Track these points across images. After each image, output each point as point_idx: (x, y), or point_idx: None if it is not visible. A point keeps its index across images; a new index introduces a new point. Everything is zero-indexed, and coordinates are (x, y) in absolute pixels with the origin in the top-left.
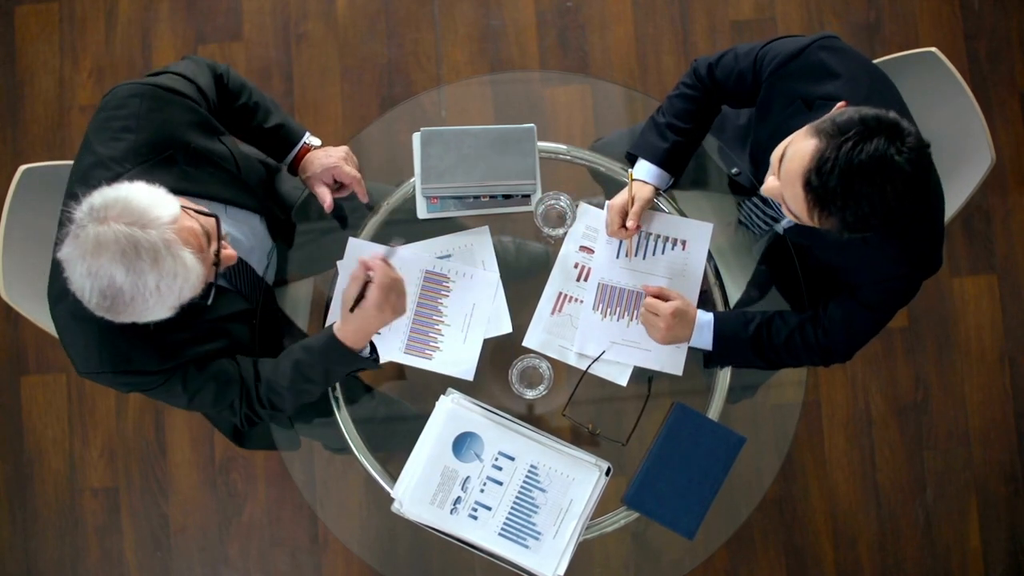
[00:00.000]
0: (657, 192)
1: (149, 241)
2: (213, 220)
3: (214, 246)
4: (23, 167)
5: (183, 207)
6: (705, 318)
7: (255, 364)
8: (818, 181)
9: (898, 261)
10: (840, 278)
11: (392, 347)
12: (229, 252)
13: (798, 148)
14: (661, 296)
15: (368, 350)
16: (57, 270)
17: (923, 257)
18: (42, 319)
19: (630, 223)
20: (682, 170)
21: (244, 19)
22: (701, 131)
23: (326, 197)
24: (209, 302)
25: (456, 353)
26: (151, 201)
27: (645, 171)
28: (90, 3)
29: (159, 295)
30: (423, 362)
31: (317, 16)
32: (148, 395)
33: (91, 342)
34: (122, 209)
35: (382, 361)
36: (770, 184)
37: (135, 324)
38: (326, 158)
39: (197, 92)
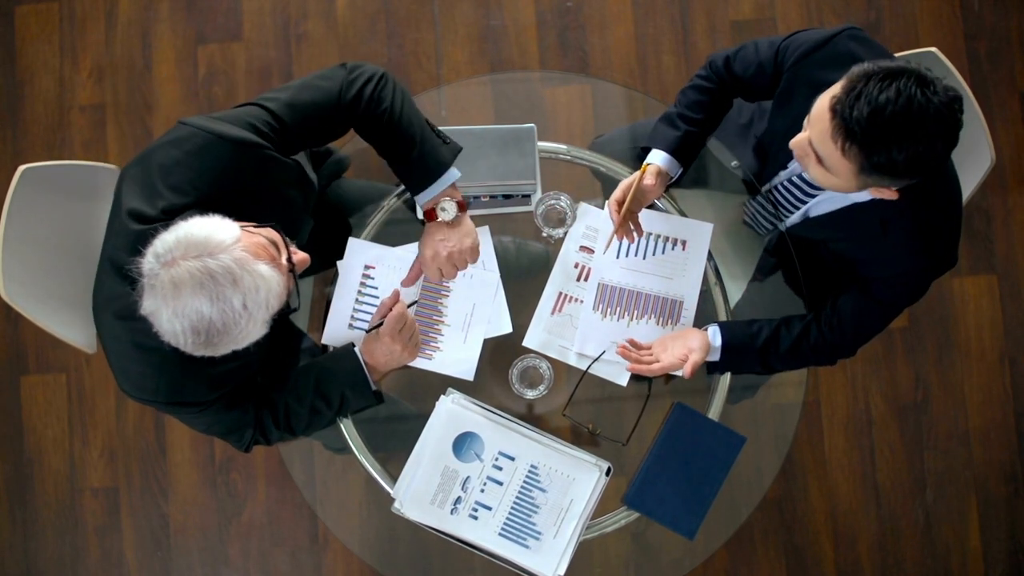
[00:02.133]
0: (665, 190)
1: (222, 265)
2: (273, 230)
3: (284, 254)
4: (23, 167)
5: (241, 226)
6: (716, 343)
7: (271, 390)
8: (846, 108)
9: (917, 254)
10: (855, 271)
11: None
12: (301, 256)
13: (828, 90)
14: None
15: (375, 387)
16: (106, 286)
17: (942, 252)
18: (42, 319)
19: (623, 210)
20: (691, 161)
21: (244, 19)
22: (712, 123)
23: (408, 274)
24: (297, 307)
25: (456, 353)
26: (211, 229)
27: (658, 159)
28: (90, 3)
29: (248, 314)
30: (423, 362)
31: (317, 16)
32: (175, 418)
33: (150, 371)
34: (186, 247)
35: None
36: (799, 137)
37: (194, 359)
38: (426, 248)
39: (273, 134)
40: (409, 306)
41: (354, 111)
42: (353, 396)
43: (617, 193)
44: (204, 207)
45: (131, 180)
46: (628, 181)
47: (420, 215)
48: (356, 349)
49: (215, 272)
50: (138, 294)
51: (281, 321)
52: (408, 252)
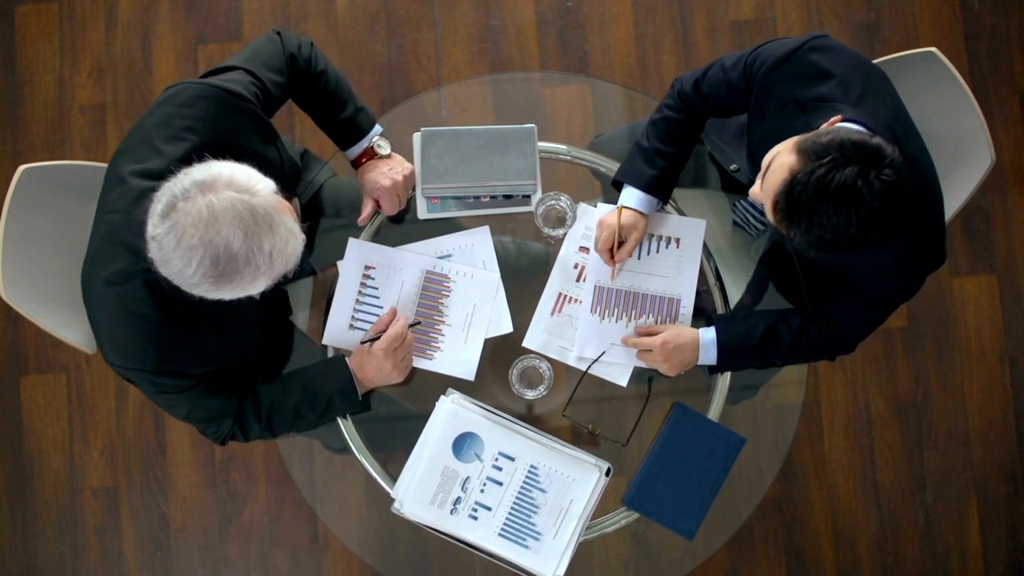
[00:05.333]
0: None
1: (263, 207)
2: (295, 199)
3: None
4: (23, 167)
5: None
6: (708, 337)
7: (257, 384)
8: (786, 202)
9: (902, 258)
10: (843, 279)
11: None
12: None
13: (779, 163)
14: (649, 334)
15: (362, 395)
16: (100, 254)
17: (927, 253)
18: (42, 319)
19: (618, 259)
20: (669, 194)
21: (244, 19)
22: (687, 152)
23: (364, 211)
24: (290, 276)
25: (457, 353)
26: (252, 174)
27: (634, 199)
28: (90, 3)
29: (270, 262)
30: (424, 362)
31: (317, 16)
32: (155, 399)
33: (139, 339)
34: (228, 180)
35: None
36: (755, 189)
37: (182, 327)
38: (382, 178)
39: (259, 94)
40: (410, 327)
41: (296, 72)
42: (340, 404)
43: (606, 242)
44: (200, 157)
45: (125, 152)
46: (612, 227)
47: (350, 160)
48: (347, 360)
49: (258, 211)
50: (148, 214)
51: (277, 319)
52: (409, 253)
